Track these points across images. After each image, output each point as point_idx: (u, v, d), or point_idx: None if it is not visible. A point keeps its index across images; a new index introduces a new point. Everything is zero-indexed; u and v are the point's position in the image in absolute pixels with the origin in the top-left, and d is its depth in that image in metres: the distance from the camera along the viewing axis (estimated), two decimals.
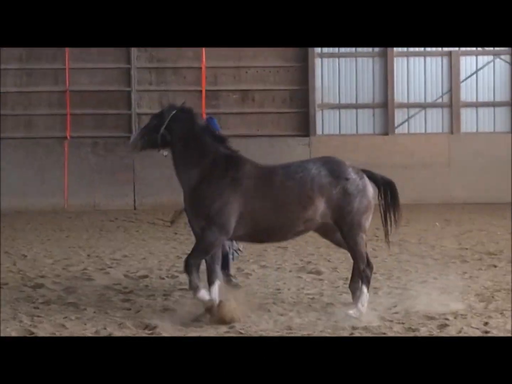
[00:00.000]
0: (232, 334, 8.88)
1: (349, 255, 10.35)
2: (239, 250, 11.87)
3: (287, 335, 8.80)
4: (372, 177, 10.19)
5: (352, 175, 9.84)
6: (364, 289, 9.78)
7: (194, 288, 9.66)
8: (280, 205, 9.64)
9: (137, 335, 8.95)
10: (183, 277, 12.13)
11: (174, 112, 10.08)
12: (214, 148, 9.92)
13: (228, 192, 9.61)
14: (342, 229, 9.92)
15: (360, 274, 9.90)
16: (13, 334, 9.01)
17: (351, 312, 9.62)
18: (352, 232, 9.87)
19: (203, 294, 9.63)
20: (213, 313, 9.41)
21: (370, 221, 10.08)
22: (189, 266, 9.67)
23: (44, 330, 9.19)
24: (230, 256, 11.58)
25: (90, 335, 8.96)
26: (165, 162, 10.80)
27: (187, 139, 9.95)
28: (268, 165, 10.57)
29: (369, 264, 10.01)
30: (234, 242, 11.53)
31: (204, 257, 9.82)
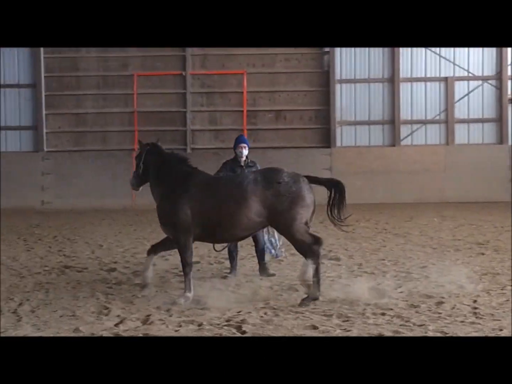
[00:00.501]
0: (267, 309, 8.88)
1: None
2: (281, 250, 11.63)
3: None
4: (317, 181, 9.83)
5: (285, 179, 9.49)
6: (309, 261, 9.29)
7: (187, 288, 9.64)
8: (221, 205, 9.52)
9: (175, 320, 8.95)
10: (228, 263, 12.20)
11: (147, 148, 10.39)
12: (176, 168, 10.02)
13: (179, 199, 9.61)
14: (277, 225, 9.70)
15: (305, 254, 9.40)
16: (92, 309, 9.06)
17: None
18: (286, 226, 9.46)
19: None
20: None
21: (309, 215, 9.51)
22: (186, 266, 9.73)
23: (116, 305, 9.25)
24: (273, 252, 11.39)
25: (152, 310, 9.00)
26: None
27: (158, 165, 10.15)
28: (218, 175, 10.82)
29: (317, 241, 9.46)
30: (277, 241, 11.34)
31: (190, 255, 9.76)
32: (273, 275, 11.26)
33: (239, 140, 11.43)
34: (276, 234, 11.19)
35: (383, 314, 8.48)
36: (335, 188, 9.89)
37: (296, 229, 9.40)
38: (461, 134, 25.03)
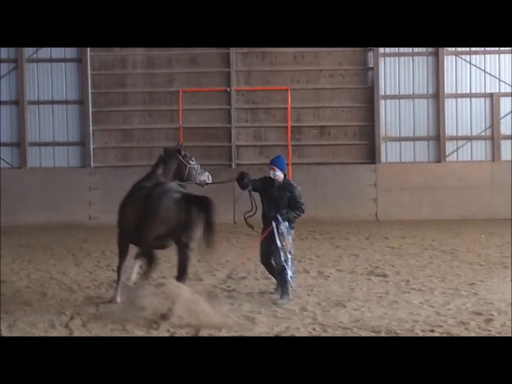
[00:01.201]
0: (315, 325, 8.92)
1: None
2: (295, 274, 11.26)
3: (354, 329, 8.82)
4: (189, 199, 10.02)
5: (154, 193, 10.10)
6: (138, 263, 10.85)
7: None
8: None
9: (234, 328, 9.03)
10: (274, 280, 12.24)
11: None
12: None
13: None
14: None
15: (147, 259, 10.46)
16: (142, 323, 9.17)
17: None
18: (138, 236, 10.23)
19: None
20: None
21: (163, 230, 9.89)
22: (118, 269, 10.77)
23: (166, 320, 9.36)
24: (289, 275, 10.84)
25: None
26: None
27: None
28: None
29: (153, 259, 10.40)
30: (293, 265, 11.04)
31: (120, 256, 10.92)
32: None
33: (271, 161, 11.44)
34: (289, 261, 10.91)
35: (431, 331, 8.49)
36: (200, 207, 9.81)
37: (143, 240, 10.04)
38: (507, 150, 24.78)
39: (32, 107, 24.88)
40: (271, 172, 11.22)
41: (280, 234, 10.74)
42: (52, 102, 24.93)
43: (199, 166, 11.38)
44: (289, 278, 10.79)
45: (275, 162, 11.26)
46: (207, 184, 11.35)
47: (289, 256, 10.84)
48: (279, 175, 11.15)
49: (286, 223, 10.81)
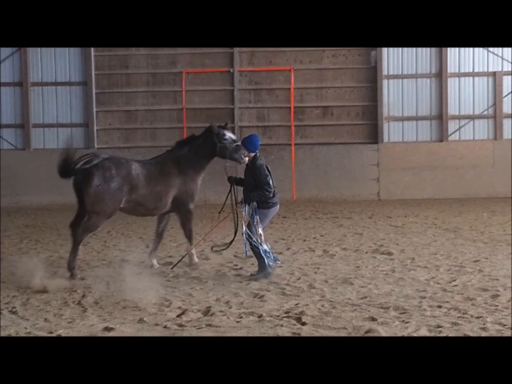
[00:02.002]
0: (324, 302, 9.05)
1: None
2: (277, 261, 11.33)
3: (363, 302, 8.95)
4: None
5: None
6: None
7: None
8: None
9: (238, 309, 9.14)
10: (283, 257, 12.39)
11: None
12: None
13: None
14: None
15: None
16: (153, 301, 9.31)
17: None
18: None
19: None
20: None
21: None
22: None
23: (176, 297, 9.49)
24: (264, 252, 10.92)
25: (212, 302, 9.22)
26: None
27: None
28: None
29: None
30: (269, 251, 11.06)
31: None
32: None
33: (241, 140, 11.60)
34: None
35: (439, 306, 8.62)
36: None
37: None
38: (509, 129, 24.85)
39: (35, 89, 24.95)
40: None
41: (247, 214, 10.92)
42: (56, 83, 25.00)
43: (235, 144, 11.65)
44: (264, 257, 10.83)
45: (243, 141, 11.29)
46: (241, 162, 11.54)
47: (256, 235, 10.90)
48: (247, 154, 11.24)
49: (255, 204, 10.87)
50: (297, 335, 7.48)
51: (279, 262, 11.38)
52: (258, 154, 11.06)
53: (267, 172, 10.83)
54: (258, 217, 10.88)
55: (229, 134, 11.84)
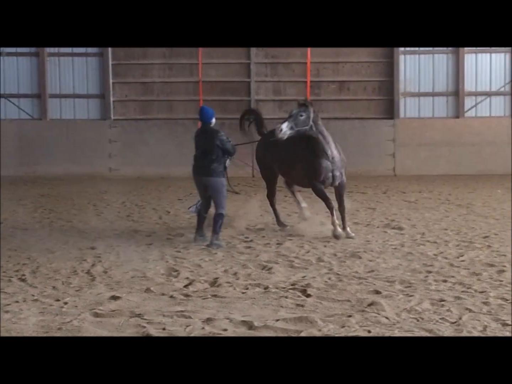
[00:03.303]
0: (330, 275, 9.09)
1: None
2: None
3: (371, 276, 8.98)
4: None
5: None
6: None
7: None
8: None
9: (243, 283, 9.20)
10: (291, 230, 12.45)
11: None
12: None
13: None
14: None
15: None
16: (161, 271, 9.39)
17: None
18: None
19: None
20: None
21: None
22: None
23: (184, 268, 9.57)
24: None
25: (220, 273, 9.28)
26: None
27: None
28: None
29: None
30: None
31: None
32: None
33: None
34: None
35: (444, 281, 8.65)
36: None
37: None
38: None
39: (52, 59, 24.97)
40: None
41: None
42: (73, 54, 25.00)
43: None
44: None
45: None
46: None
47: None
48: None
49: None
50: (300, 306, 7.54)
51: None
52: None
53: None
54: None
55: None
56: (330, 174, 11.99)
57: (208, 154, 11.31)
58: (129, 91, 25.11)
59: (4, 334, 6.54)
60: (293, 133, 11.42)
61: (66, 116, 25.07)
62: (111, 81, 24.88)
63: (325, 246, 11.19)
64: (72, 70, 25.11)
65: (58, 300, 7.87)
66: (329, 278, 8.91)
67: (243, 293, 8.20)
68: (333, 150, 12.03)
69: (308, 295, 7.99)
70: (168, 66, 24.95)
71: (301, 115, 11.48)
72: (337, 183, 12.16)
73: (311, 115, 11.58)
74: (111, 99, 24.93)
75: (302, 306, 7.56)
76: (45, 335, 6.59)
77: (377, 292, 8.07)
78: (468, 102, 24.66)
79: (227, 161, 11.52)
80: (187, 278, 9.03)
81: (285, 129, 11.29)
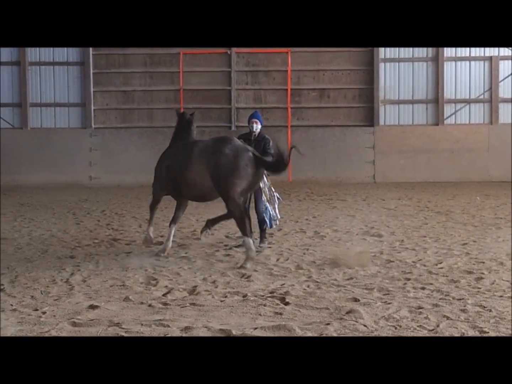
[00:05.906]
0: (309, 283, 9.08)
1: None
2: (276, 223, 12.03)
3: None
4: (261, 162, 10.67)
5: (226, 151, 10.39)
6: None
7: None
8: (178, 166, 10.86)
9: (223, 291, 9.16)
10: (273, 239, 12.43)
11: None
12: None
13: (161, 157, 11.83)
14: (218, 190, 10.55)
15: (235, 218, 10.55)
16: (140, 280, 9.33)
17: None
18: (223, 193, 10.47)
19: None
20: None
21: (244, 185, 10.45)
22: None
23: (163, 277, 9.51)
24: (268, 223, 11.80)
25: (199, 281, 9.24)
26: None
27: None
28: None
29: (246, 215, 10.61)
30: (273, 211, 11.76)
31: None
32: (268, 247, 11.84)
33: (252, 116, 12.13)
34: (276, 207, 11.81)
35: (423, 288, 8.64)
36: (274, 170, 10.77)
37: (230, 196, 10.31)
38: (505, 114, 24.85)
39: (33, 68, 24.92)
40: (253, 125, 11.92)
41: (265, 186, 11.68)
42: (53, 63, 24.97)
43: None
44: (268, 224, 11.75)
45: (258, 116, 12.08)
46: None
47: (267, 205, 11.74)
48: (260, 127, 11.95)
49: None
50: (279, 314, 7.51)
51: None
52: None
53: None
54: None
55: None
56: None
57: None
58: (110, 99, 25.08)
59: None
60: None
61: (47, 125, 25.02)
62: (92, 89, 24.85)
63: (304, 254, 11.17)
64: (53, 79, 25.07)
65: (36, 310, 7.79)
66: (308, 286, 8.88)
67: (221, 301, 8.15)
68: None
69: (287, 303, 7.95)
70: (149, 74, 24.96)
71: None
72: None
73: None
74: (92, 107, 24.90)
75: (281, 314, 7.52)
76: None
77: (356, 300, 8.04)
78: (448, 109, 24.81)
79: None
80: (166, 286, 8.97)
81: None
